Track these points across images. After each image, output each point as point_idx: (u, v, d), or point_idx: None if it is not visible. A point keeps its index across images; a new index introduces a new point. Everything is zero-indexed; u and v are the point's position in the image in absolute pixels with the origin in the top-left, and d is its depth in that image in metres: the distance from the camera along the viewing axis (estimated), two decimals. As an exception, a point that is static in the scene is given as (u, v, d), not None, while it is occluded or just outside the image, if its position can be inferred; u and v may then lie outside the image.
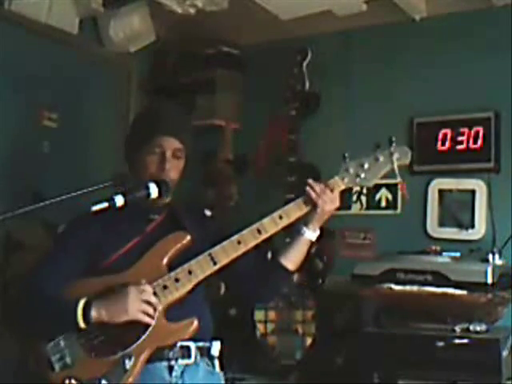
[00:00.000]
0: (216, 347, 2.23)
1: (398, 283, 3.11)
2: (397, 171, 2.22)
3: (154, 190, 2.15)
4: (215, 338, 2.24)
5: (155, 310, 2.06)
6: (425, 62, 3.71)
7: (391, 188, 3.68)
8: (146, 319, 2.04)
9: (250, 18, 3.79)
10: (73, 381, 2.02)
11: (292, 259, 2.27)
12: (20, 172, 3.39)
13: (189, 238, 2.16)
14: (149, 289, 2.06)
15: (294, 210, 2.22)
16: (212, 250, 2.14)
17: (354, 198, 3.80)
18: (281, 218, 2.21)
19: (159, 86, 4.17)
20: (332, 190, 2.21)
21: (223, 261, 2.14)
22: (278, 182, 3.72)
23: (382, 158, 2.22)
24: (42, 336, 2.09)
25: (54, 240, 2.35)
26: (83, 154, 3.72)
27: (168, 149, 2.23)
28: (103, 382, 2.01)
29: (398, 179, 2.24)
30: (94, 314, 2.02)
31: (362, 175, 2.23)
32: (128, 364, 2.02)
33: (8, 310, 2.19)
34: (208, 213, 2.40)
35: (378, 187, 3.71)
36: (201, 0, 3.55)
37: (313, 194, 2.20)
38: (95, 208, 2.04)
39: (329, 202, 2.20)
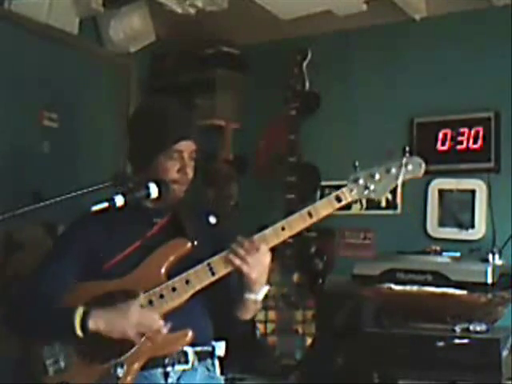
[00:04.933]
0: (221, 347, 2.21)
1: (397, 283, 3.11)
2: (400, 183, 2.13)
3: (153, 190, 2.14)
4: (219, 339, 2.23)
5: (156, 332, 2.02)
6: (425, 62, 3.71)
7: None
8: (138, 341, 2.01)
9: (250, 18, 3.78)
10: None
11: (246, 314, 2.18)
12: (20, 172, 3.39)
13: (189, 245, 2.13)
14: (153, 315, 2.03)
15: (296, 222, 2.13)
16: (211, 259, 2.10)
17: (354, 198, 3.80)
18: (283, 229, 2.12)
19: (159, 85, 4.17)
20: (257, 249, 2.04)
21: (221, 271, 2.10)
22: (277, 182, 3.72)
23: (394, 170, 2.11)
24: (40, 340, 2.08)
25: (54, 242, 2.33)
26: (83, 153, 3.72)
27: (186, 152, 2.21)
28: None
29: (399, 189, 2.17)
30: (91, 324, 1.99)
31: (372, 187, 2.12)
32: (120, 372, 2.00)
33: (9, 310, 2.17)
34: (213, 220, 2.31)
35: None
36: (201, 0, 3.55)
37: (236, 262, 2.05)
38: (95, 208, 2.03)
39: (256, 264, 2.05)
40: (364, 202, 3.78)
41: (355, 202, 2.19)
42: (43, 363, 2.05)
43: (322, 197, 3.89)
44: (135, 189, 2.13)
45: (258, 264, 2.07)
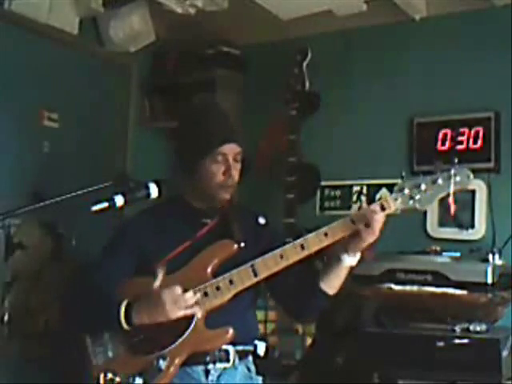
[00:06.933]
0: (261, 347, 2.26)
1: (398, 283, 3.11)
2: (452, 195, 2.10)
3: (154, 190, 2.15)
4: (260, 339, 2.27)
5: (193, 305, 2.09)
6: (425, 62, 3.71)
7: (391, 188, 3.67)
8: (188, 311, 2.08)
9: (250, 18, 3.79)
10: (110, 374, 2.09)
11: (332, 285, 2.24)
12: (20, 172, 3.39)
13: (235, 247, 2.19)
14: (181, 292, 2.08)
15: (340, 229, 2.14)
16: (254, 261, 2.14)
17: (354, 197, 3.79)
18: (326, 235, 2.15)
19: (159, 85, 4.17)
20: (376, 218, 2.09)
21: (264, 273, 2.15)
22: (277, 182, 3.72)
23: (440, 181, 2.10)
24: (90, 333, 2.16)
25: (107, 240, 2.35)
26: (83, 153, 3.72)
27: (230, 155, 2.24)
28: (137, 378, 2.08)
29: (451, 199, 2.10)
30: (135, 318, 2.06)
31: (417, 197, 2.10)
32: (163, 364, 2.07)
33: (62, 305, 2.29)
34: (262, 221, 2.35)
35: (377, 187, 3.71)
36: (201, 0, 3.55)
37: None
38: (95, 208, 2.04)
39: (374, 231, 2.10)
40: (364, 201, 3.78)
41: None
42: (92, 351, 2.14)
43: (321, 197, 3.89)
44: (135, 189, 2.14)
45: (375, 231, 2.09)
